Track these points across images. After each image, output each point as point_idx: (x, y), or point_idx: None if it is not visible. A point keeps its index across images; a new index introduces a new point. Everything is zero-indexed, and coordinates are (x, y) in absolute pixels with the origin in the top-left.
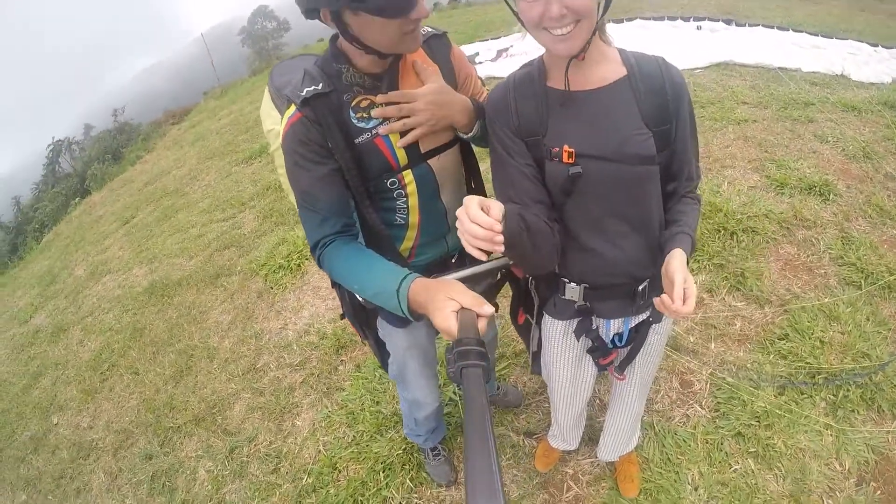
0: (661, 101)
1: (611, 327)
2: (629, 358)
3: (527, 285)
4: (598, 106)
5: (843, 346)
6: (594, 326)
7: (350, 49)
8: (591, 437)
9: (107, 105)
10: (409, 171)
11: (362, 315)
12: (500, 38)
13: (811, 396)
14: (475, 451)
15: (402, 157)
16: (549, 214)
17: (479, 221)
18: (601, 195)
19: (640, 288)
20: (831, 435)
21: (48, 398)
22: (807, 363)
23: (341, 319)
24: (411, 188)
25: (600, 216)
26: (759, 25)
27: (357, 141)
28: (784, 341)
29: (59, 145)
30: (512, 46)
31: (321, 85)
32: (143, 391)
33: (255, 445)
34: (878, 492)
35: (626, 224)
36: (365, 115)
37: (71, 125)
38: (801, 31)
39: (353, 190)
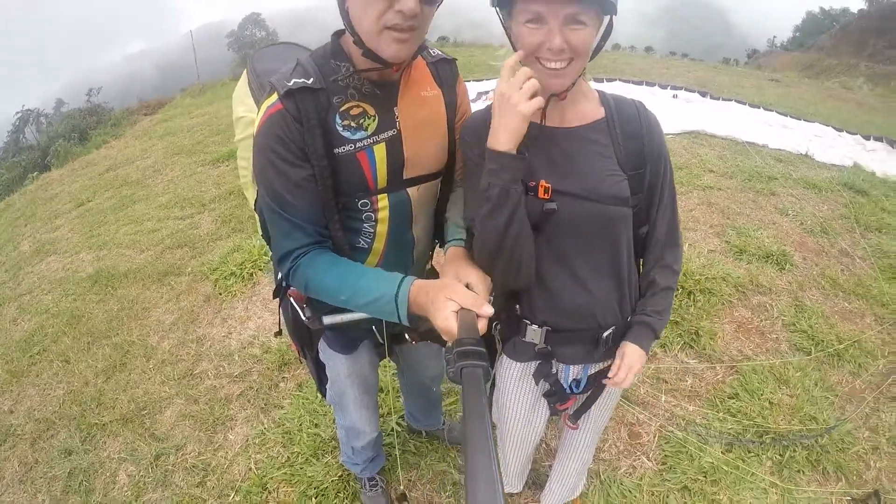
0: (637, 147)
1: (570, 373)
2: (585, 407)
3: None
4: (574, 144)
5: (791, 408)
6: (553, 371)
7: (354, 47)
8: (535, 480)
9: (84, 83)
10: (386, 195)
11: (305, 334)
12: (482, 80)
13: (758, 455)
14: (475, 452)
15: (382, 178)
16: None
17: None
18: (573, 233)
19: (605, 335)
20: (777, 494)
21: None
22: (755, 422)
23: (275, 336)
24: (383, 214)
25: (570, 255)
26: (731, 100)
27: (337, 151)
28: (734, 400)
29: (28, 115)
30: (492, 91)
31: (311, 80)
32: (72, 382)
33: (182, 454)
34: None
35: (594, 265)
36: (353, 123)
37: (44, 98)
38: (772, 111)
39: (323, 202)
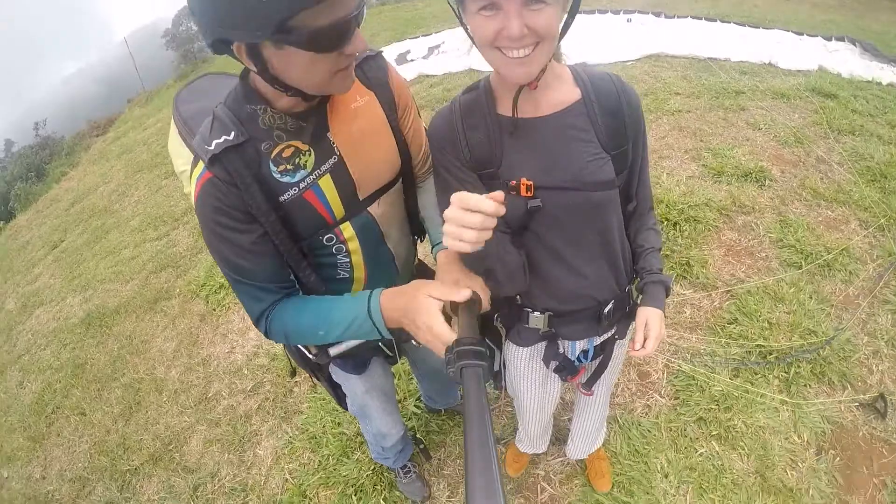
0: (617, 124)
1: (576, 347)
2: (596, 375)
3: (490, 320)
4: (552, 133)
5: (790, 325)
6: (560, 350)
7: (267, 87)
8: (558, 436)
9: (29, 118)
10: (348, 223)
11: (314, 366)
12: (430, 34)
13: (765, 376)
14: (475, 452)
15: (337, 209)
16: (513, 241)
17: (483, 208)
18: (561, 226)
19: (606, 311)
20: (787, 410)
21: None
22: (757, 345)
23: (291, 378)
24: (353, 243)
25: (561, 246)
26: (687, 17)
27: (282, 199)
28: (734, 325)
29: None
30: (444, 43)
31: (232, 134)
32: (93, 433)
33: (218, 480)
34: (837, 458)
35: (588, 251)
36: (289, 166)
37: None
38: (729, 22)
39: (285, 254)
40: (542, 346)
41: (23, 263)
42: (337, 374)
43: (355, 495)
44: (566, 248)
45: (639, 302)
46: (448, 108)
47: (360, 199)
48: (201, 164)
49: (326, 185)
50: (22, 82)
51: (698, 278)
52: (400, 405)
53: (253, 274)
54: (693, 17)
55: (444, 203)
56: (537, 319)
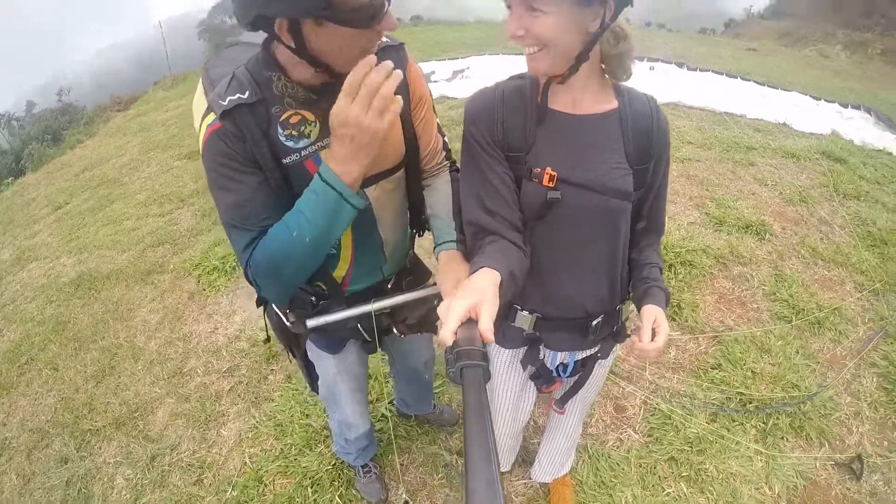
0: (645, 142)
1: (556, 358)
2: (571, 392)
3: None
4: (584, 133)
5: (774, 376)
6: (541, 356)
7: (287, 58)
8: (525, 458)
9: (55, 82)
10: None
11: (291, 338)
12: (457, 59)
13: (742, 424)
14: (475, 452)
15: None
16: (523, 240)
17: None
18: (574, 224)
19: (594, 323)
20: (761, 461)
21: None
22: (738, 392)
23: (264, 343)
24: (345, 238)
25: (568, 245)
26: (709, 71)
27: (285, 161)
28: (717, 370)
29: None
30: (468, 68)
31: (247, 93)
32: (63, 389)
33: (177, 454)
34: None
35: (591, 257)
36: (294, 132)
37: (13, 99)
38: (749, 80)
39: (282, 206)
40: (523, 350)
41: (24, 219)
42: (312, 350)
43: (311, 487)
44: (573, 247)
45: (643, 301)
46: (492, 88)
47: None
48: (212, 115)
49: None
50: (55, 51)
51: (687, 321)
52: (371, 406)
53: (249, 217)
54: (714, 72)
55: (471, 185)
56: (524, 319)
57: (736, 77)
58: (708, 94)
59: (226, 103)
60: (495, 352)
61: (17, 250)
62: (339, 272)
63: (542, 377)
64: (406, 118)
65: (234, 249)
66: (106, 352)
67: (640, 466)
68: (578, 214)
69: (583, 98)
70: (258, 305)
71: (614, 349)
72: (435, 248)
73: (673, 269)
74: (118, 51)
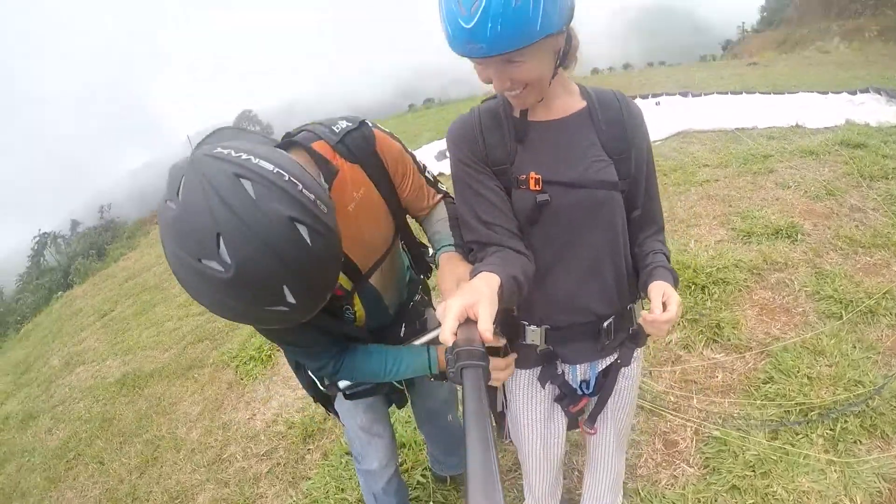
0: (619, 131)
1: (577, 373)
2: (599, 406)
3: None
4: (560, 135)
5: (833, 378)
6: (559, 371)
7: None
8: (572, 500)
9: (95, 202)
10: (355, 294)
11: (323, 396)
12: None
13: (807, 435)
14: (475, 452)
15: (345, 283)
16: (525, 249)
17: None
18: (567, 223)
19: (605, 325)
20: (835, 471)
21: (12, 485)
22: (797, 403)
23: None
24: (358, 306)
25: (566, 245)
26: (713, 93)
27: None
28: (769, 384)
29: (45, 238)
30: None
31: None
32: (107, 481)
33: None
34: None
35: (591, 253)
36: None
37: (58, 220)
38: (754, 93)
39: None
40: (540, 368)
41: (72, 327)
42: (340, 403)
43: None
44: (571, 249)
45: (648, 282)
46: (469, 112)
47: (363, 274)
48: None
49: (342, 280)
50: (90, 171)
51: (730, 340)
52: (406, 474)
53: (305, 341)
54: (719, 93)
55: (467, 205)
56: (534, 333)
57: (741, 93)
58: (716, 115)
59: None
60: (513, 376)
61: (65, 356)
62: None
63: (566, 396)
64: (390, 197)
65: (309, 363)
66: (149, 444)
67: (699, 502)
68: (570, 212)
69: (553, 104)
70: (296, 369)
71: (636, 356)
72: (434, 254)
73: (706, 290)
74: (151, 168)
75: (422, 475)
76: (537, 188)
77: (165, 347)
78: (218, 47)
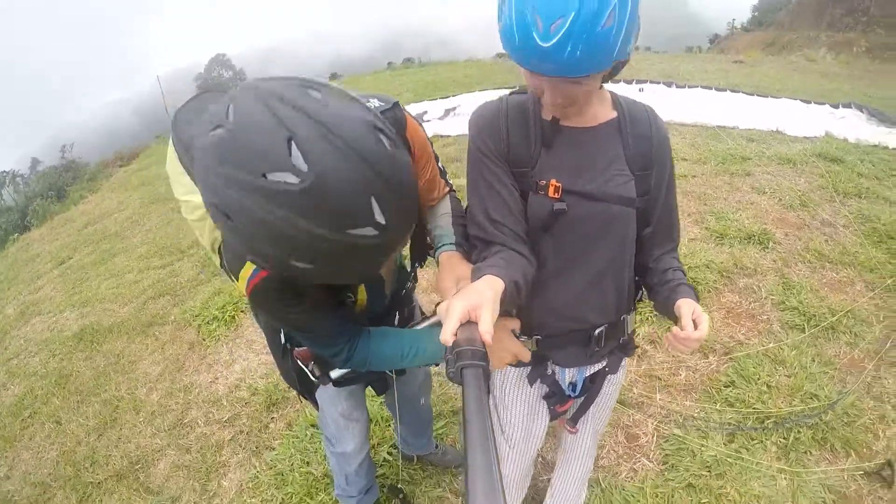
0: (645, 148)
1: (565, 376)
2: (583, 409)
3: None
4: (586, 144)
5: (791, 388)
6: (549, 371)
7: None
8: (534, 496)
9: (59, 140)
10: (362, 286)
11: (309, 386)
12: (448, 97)
13: (762, 442)
14: (475, 451)
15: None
16: (529, 253)
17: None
18: (578, 233)
19: (596, 333)
20: (785, 479)
21: None
22: (755, 409)
23: (300, 398)
24: (361, 292)
25: (572, 254)
26: (697, 87)
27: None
28: (730, 388)
29: (3, 177)
30: (459, 106)
31: None
32: (65, 442)
33: None
34: None
35: (596, 264)
36: None
37: (18, 158)
38: (738, 92)
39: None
40: (529, 368)
41: (28, 274)
42: (322, 390)
43: None
44: (577, 258)
45: (672, 298)
46: (497, 102)
47: None
48: (248, 267)
49: None
50: (60, 107)
51: None
52: (373, 451)
53: (319, 327)
54: (703, 87)
55: (479, 196)
56: (526, 342)
57: (725, 90)
58: (699, 109)
59: None
60: (501, 372)
61: (20, 305)
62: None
63: (555, 395)
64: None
65: (320, 347)
66: (108, 404)
67: (657, 496)
68: (583, 223)
69: (586, 111)
70: (283, 357)
71: (623, 364)
72: (434, 251)
73: None
74: (123, 105)
75: (388, 452)
76: (556, 196)
77: (125, 301)
78: None
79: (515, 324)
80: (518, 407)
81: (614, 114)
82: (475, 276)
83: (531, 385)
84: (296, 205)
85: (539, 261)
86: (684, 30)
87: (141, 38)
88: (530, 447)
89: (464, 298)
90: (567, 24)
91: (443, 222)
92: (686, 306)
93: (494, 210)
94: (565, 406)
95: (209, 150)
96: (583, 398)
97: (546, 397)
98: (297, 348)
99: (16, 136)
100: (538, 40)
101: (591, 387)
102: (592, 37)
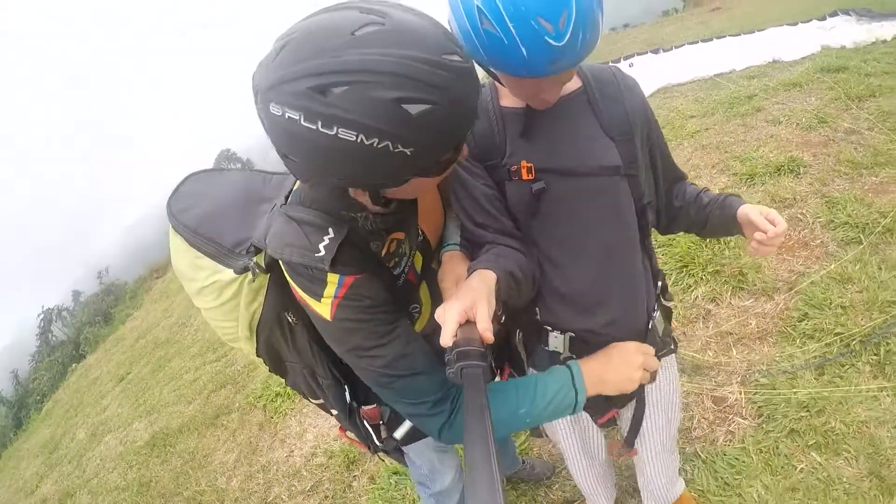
0: (619, 110)
1: None
2: (633, 430)
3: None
4: (555, 120)
5: (867, 303)
6: None
7: (363, 195)
8: (634, 486)
9: (93, 268)
10: (424, 283)
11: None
12: None
13: (853, 365)
14: (475, 452)
15: (418, 262)
16: (521, 245)
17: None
18: (570, 213)
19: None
20: (889, 396)
21: None
22: (836, 334)
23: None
24: (425, 300)
25: (570, 239)
26: (684, 45)
27: (398, 285)
28: (805, 321)
29: (50, 313)
30: None
31: (331, 230)
32: None
33: None
34: None
35: (599, 248)
36: (396, 259)
37: (60, 293)
38: (724, 37)
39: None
40: None
41: (92, 397)
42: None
43: None
44: (580, 244)
45: (728, 210)
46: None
47: (433, 250)
48: (332, 279)
49: (417, 259)
50: (87, 236)
51: (755, 285)
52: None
53: (415, 360)
54: (690, 44)
55: (461, 203)
56: (557, 340)
57: (711, 39)
58: (691, 66)
59: (323, 252)
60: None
61: (90, 427)
62: (418, 328)
63: (591, 406)
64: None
65: (399, 404)
66: (191, 501)
67: (762, 452)
68: (570, 201)
69: None
70: (349, 419)
71: (667, 374)
72: (440, 249)
73: (722, 239)
74: (145, 222)
75: None
76: (530, 177)
77: (189, 400)
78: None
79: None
80: (562, 422)
81: (579, 82)
82: (468, 274)
83: None
84: (462, 78)
85: (539, 252)
86: None
87: (150, 150)
88: (592, 451)
89: (459, 299)
90: (573, 15)
91: (450, 224)
92: (752, 210)
93: (476, 213)
94: (605, 417)
95: (378, 38)
96: (629, 414)
97: (584, 408)
98: (363, 406)
99: (53, 276)
100: (552, 42)
101: (636, 400)
102: (592, 15)
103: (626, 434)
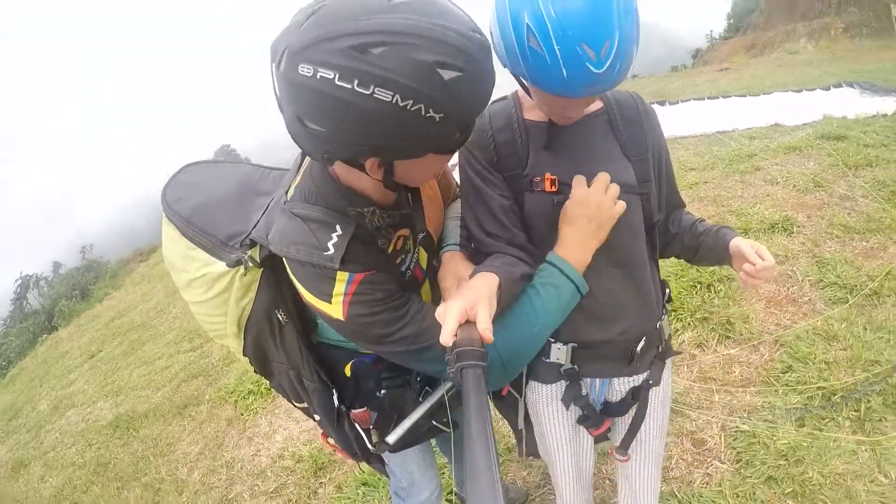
0: (637, 132)
1: (601, 387)
2: (631, 432)
3: None
4: (577, 136)
5: (850, 360)
6: (583, 392)
7: (368, 186)
8: None
9: (78, 242)
10: (427, 281)
11: (368, 454)
12: None
13: (833, 419)
14: (475, 452)
15: (423, 259)
16: (529, 258)
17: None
18: None
19: (638, 348)
20: (866, 450)
21: None
22: (818, 387)
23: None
24: (426, 296)
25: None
26: (690, 100)
27: (405, 279)
28: (789, 373)
29: (27, 281)
30: None
31: (338, 227)
32: None
33: None
34: None
35: (611, 259)
36: (403, 255)
37: (40, 263)
38: (730, 96)
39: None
40: (563, 386)
41: (60, 370)
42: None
43: None
44: (597, 256)
45: (721, 242)
46: (479, 117)
47: (435, 248)
48: (342, 277)
49: (421, 255)
50: (78, 210)
51: (742, 334)
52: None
53: (437, 326)
54: (696, 99)
55: (472, 212)
56: (559, 352)
57: (717, 97)
58: (696, 120)
59: (334, 251)
60: (534, 390)
61: (54, 400)
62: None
63: (589, 418)
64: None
65: (429, 368)
66: (149, 488)
67: (738, 496)
68: None
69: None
70: (337, 424)
71: (666, 376)
72: (441, 248)
73: (712, 287)
74: (137, 203)
75: (447, 500)
76: (553, 189)
77: (158, 386)
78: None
79: None
80: (557, 425)
81: (601, 104)
82: (472, 276)
83: (567, 409)
84: (487, 53)
85: None
86: (664, 52)
87: (150, 137)
88: (583, 469)
89: (460, 298)
90: (615, 46)
91: (450, 224)
92: (743, 243)
93: (487, 222)
94: (601, 429)
95: (413, 24)
96: (628, 418)
97: (580, 421)
98: (352, 410)
99: (35, 241)
100: (592, 68)
101: (636, 404)
102: (630, 48)
103: (622, 438)
